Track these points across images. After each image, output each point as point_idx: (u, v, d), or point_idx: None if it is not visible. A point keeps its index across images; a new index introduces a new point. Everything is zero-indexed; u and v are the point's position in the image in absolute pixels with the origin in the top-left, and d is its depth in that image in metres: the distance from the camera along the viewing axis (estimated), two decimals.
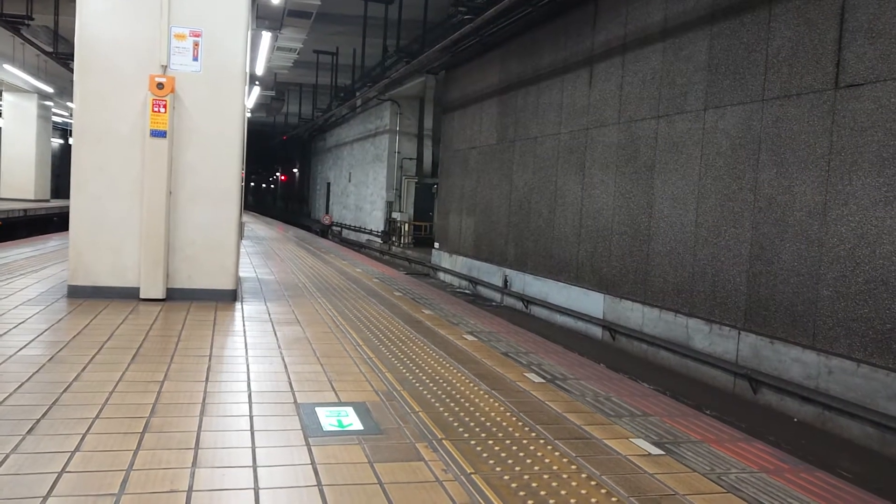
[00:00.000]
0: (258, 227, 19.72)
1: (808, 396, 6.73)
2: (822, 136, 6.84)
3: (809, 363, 6.78)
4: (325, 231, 31.52)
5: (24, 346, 3.95)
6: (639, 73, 9.78)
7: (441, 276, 17.47)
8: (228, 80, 5.87)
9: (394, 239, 23.50)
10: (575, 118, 11.43)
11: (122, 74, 5.63)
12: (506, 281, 13.69)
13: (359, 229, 28.04)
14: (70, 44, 18.00)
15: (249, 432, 2.77)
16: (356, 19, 18.12)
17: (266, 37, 15.32)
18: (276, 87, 27.88)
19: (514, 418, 3.13)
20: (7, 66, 18.55)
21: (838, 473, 5.34)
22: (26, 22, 14.37)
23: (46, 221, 21.15)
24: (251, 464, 2.46)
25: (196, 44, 5.75)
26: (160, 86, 5.58)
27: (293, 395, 3.32)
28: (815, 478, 2.63)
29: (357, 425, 2.92)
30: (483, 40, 14.53)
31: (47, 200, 25.14)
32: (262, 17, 13.94)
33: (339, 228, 31.49)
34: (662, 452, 2.80)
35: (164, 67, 5.67)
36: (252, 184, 69.00)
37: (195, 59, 5.76)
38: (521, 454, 2.69)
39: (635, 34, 9.91)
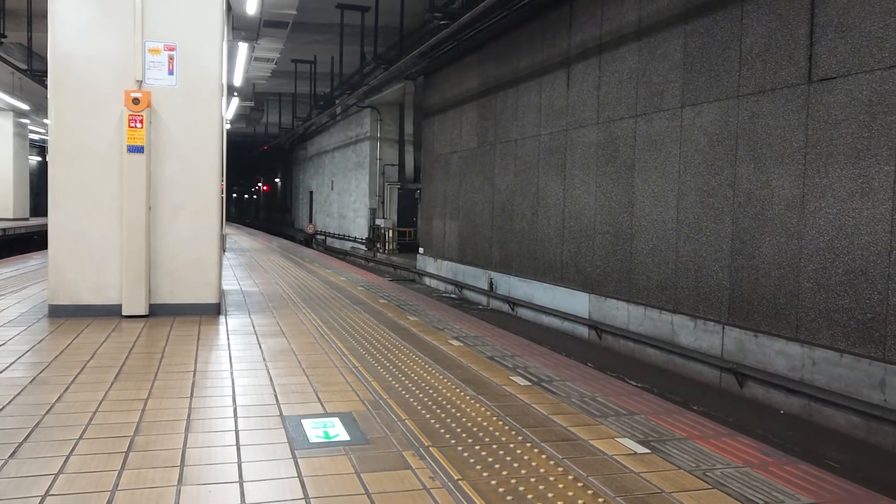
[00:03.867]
0: (241, 238, 19.63)
1: (793, 388, 6.79)
2: (797, 129, 6.92)
3: (793, 355, 6.85)
4: (309, 240, 31.42)
5: (6, 369, 3.91)
6: (616, 73, 9.84)
7: (427, 281, 17.46)
8: (205, 92, 5.84)
9: (378, 246, 23.47)
10: (554, 119, 11.48)
11: (97, 91, 5.59)
12: (491, 284, 13.71)
13: (343, 237, 27.99)
14: (44, 60, 17.82)
15: (235, 447, 2.76)
16: (333, 28, 18.12)
17: (243, 48, 15.27)
18: (255, 98, 27.76)
19: (500, 422, 3.14)
20: None
21: (825, 464, 5.40)
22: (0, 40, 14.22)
23: (26, 240, 20.90)
24: (238, 479, 2.45)
25: (171, 58, 5.73)
26: (136, 101, 5.55)
27: (279, 407, 3.31)
28: (799, 470, 2.66)
29: (343, 436, 2.91)
30: (461, 45, 14.57)
31: (26, 219, 24.87)
32: (237, 28, 13.89)
33: (323, 237, 31.40)
34: (648, 451, 2.82)
35: (140, 82, 5.64)
36: (234, 195, 68.68)
37: (171, 73, 5.74)
38: (508, 458, 2.70)
39: (611, 35, 9.98)
